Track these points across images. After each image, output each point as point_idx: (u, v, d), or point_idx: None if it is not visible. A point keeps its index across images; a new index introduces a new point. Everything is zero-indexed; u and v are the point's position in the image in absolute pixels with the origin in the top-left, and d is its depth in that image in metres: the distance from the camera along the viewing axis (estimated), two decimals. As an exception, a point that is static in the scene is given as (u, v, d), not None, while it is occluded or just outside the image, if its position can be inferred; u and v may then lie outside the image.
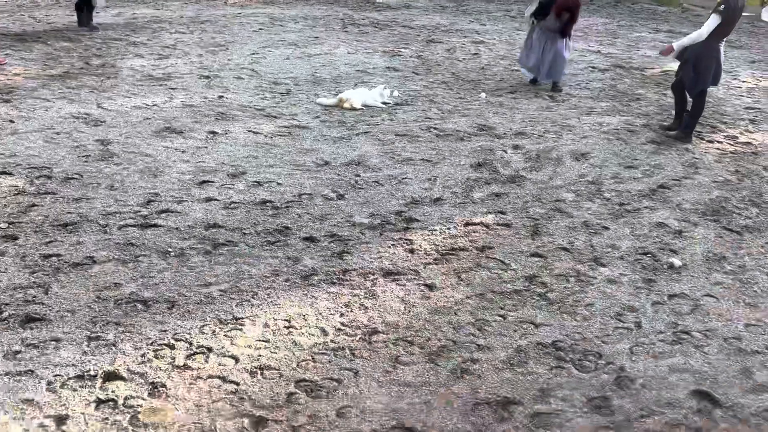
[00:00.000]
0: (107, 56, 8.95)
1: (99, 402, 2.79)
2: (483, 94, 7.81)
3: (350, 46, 10.40)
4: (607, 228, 4.63)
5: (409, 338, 3.32)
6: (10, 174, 5.04)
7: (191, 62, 8.85)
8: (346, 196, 4.95)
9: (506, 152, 6.00)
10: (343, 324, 3.41)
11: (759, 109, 7.81)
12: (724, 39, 6.27)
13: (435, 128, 6.57)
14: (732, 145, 6.50)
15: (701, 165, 5.89)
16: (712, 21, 6.05)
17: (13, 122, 6.15)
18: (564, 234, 4.52)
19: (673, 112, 6.88)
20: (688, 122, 6.53)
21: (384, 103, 7.25)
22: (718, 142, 6.57)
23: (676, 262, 4.17)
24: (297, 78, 8.29)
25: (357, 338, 3.30)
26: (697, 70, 6.28)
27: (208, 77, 8.10)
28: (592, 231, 4.58)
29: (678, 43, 6.43)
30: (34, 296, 3.51)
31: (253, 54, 9.50)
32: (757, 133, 6.88)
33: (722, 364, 3.24)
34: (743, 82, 9.04)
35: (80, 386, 2.87)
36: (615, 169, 5.73)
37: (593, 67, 9.59)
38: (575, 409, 2.90)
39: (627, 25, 13.79)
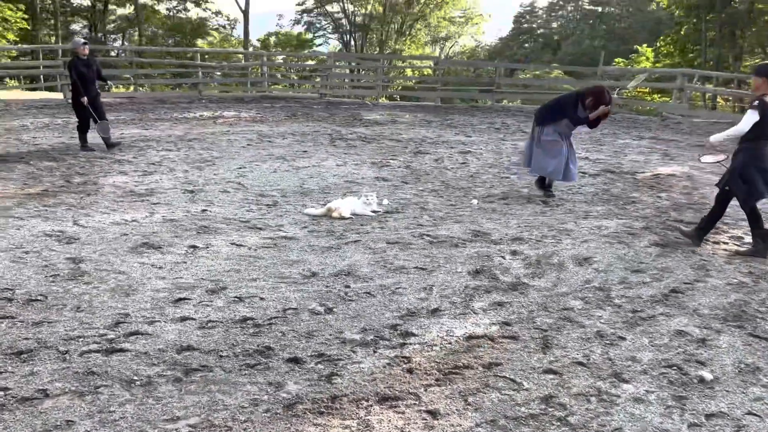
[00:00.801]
0: (90, 174, 8.78)
1: None
2: (475, 201, 7.61)
3: (338, 158, 10.36)
4: (623, 338, 4.20)
5: (412, 479, 2.80)
6: (-33, 297, 4.61)
7: (176, 178, 8.69)
8: (335, 309, 4.52)
9: (504, 258, 5.66)
10: (332, 464, 2.88)
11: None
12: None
13: (428, 235, 6.27)
14: (739, 246, 6.22)
15: (711, 267, 5.57)
16: (750, 117, 5.62)
17: (-19, 242, 5.79)
18: (578, 346, 4.08)
19: (671, 214, 6.64)
20: (706, 225, 6.16)
21: (374, 211, 7.00)
22: (724, 243, 6.29)
23: (707, 375, 3.72)
24: (284, 190, 8.10)
25: (350, 482, 2.77)
26: (746, 180, 5.74)
27: (192, 191, 7.89)
28: (608, 342, 4.15)
29: (716, 137, 5.94)
30: (-32, 441, 2.98)
31: (240, 168, 9.38)
32: (761, 232, 6.62)
33: (786, 499, 2.72)
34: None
35: None
36: (621, 273, 5.39)
37: (583, 173, 9.53)
38: None
39: (610, 134, 14.04)
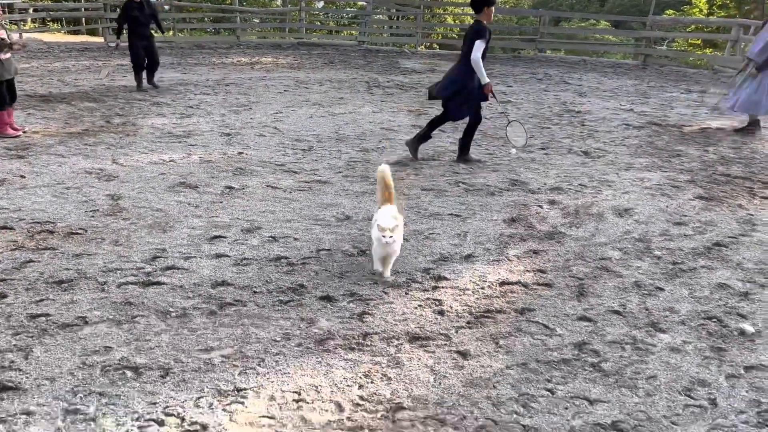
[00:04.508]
0: (129, 115, 8.86)
1: (65, 492, 2.31)
2: (513, 150, 7.44)
3: (375, 105, 10.23)
4: (661, 289, 4.10)
5: (441, 416, 2.80)
6: (11, 228, 4.73)
7: (213, 121, 8.71)
8: (367, 252, 4.51)
9: (542, 207, 5.55)
10: (362, 398, 2.91)
11: (811, 164, 7.29)
12: None
13: (463, 183, 6.18)
14: (788, 201, 5.97)
15: (759, 222, 5.36)
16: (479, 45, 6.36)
17: (24, 177, 5.92)
18: (614, 295, 4.00)
19: (718, 168, 6.36)
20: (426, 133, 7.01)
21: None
22: (773, 198, 6.04)
23: (748, 328, 3.61)
24: (320, 135, 8.05)
25: (378, 415, 2.79)
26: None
27: (228, 134, 7.90)
28: (646, 292, 4.05)
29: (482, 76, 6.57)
30: (12, 361, 3.09)
31: (277, 113, 9.35)
32: (814, 188, 6.34)
33: (825, 453, 2.65)
34: (790, 138, 8.55)
35: (46, 471, 2.40)
36: (663, 225, 5.23)
37: (627, 125, 9.22)
38: None
39: (657, 86, 13.52)
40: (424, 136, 7.04)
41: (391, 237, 3.85)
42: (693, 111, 10.63)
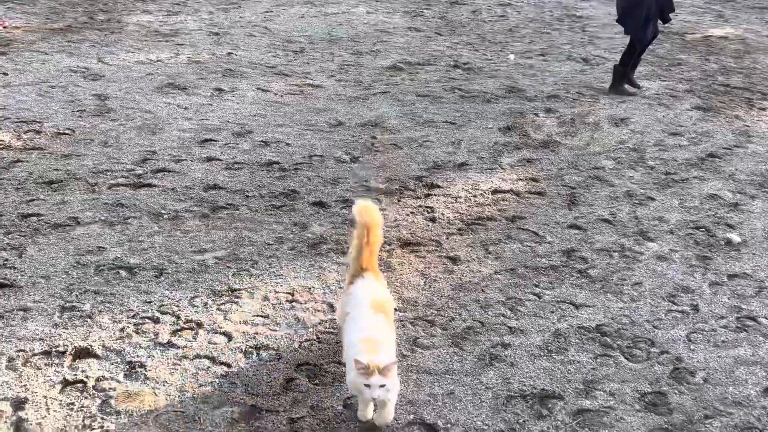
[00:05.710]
0: (113, 11, 8.49)
1: (65, 383, 2.38)
2: (511, 56, 7.25)
3: (369, 6, 9.82)
4: (652, 199, 4.12)
5: (430, 317, 2.88)
6: (-3, 128, 4.64)
7: (201, 19, 8.37)
8: (360, 158, 4.48)
9: (538, 116, 5.47)
10: (353, 299, 2.97)
11: (813, 76, 7.17)
12: None
13: (459, 89, 6.05)
14: (786, 113, 5.91)
15: (754, 134, 5.33)
16: None
17: (7, 74, 5.74)
18: (605, 204, 4.02)
19: (718, 78, 6.25)
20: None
21: None
22: (771, 110, 5.98)
23: (735, 237, 3.67)
24: (312, 36, 7.78)
25: (369, 316, 2.86)
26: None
27: (217, 34, 7.62)
28: (636, 202, 4.08)
29: None
30: (6, 260, 3.11)
31: (267, 12, 8.98)
32: (812, 101, 6.27)
33: (798, 356, 2.76)
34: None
35: (46, 364, 2.47)
36: (658, 135, 5.19)
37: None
38: (626, 406, 2.45)
39: (663, -9, 13.01)
40: (630, 69, 6.11)
41: (382, 386, 2.05)
42: (697, 18, 10.30)
